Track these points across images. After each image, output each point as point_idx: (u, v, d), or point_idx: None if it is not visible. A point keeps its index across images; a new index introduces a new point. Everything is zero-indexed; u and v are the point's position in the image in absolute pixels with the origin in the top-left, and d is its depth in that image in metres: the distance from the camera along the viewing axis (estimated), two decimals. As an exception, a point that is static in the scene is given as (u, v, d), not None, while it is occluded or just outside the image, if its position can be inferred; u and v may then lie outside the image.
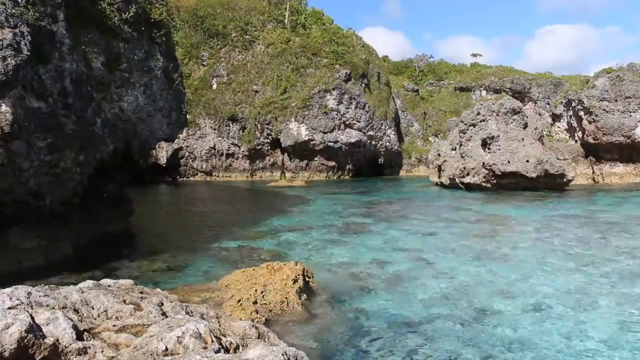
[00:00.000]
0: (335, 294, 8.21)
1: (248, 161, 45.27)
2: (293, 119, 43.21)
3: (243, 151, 44.88)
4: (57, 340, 2.68)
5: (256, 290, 7.49)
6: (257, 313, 6.74)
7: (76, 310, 3.27)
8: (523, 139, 29.80)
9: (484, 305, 7.80)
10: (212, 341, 2.91)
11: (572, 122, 41.63)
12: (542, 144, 31.53)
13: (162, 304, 3.75)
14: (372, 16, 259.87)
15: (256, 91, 44.91)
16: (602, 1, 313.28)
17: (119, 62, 11.97)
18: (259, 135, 44.46)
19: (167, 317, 3.51)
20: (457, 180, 31.09)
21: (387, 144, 48.64)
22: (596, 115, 37.65)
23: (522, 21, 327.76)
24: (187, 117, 21.35)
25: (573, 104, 40.55)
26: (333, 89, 43.93)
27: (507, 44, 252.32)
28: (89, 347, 2.76)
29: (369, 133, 45.90)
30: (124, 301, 3.58)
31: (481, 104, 33.03)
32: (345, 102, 44.34)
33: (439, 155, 34.83)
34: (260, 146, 44.74)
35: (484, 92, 58.53)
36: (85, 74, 9.91)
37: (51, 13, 8.78)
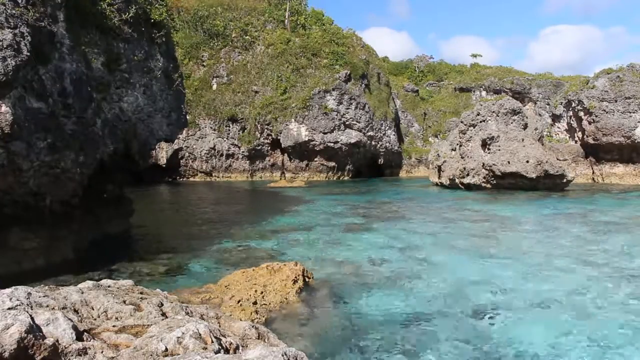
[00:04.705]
0: (335, 294, 8.21)
1: (248, 161, 45.28)
2: (293, 120, 43.22)
3: (243, 151, 44.88)
4: (57, 340, 2.68)
5: (256, 291, 7.49)
6: (257, 313, 6.75)
7: (76, 311, 3.27)
8: (523, 140, 29.81)
9: (484, 304, 7.80)
10: (212, 342, 2.91)
11: (572, 122, 41.65)
12: (542, 145, 31.55)
13: (162, 305, 3.75)
14: (380, 16, 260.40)
15: (256, 91, 44.92)
16: (608, 1, 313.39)
17: (119, 63, 11.97)
18: (258, 135, 44.46)
19: (167, 317, 3.51)
20: (457, 180, 31.09)
21: (387, 144, 48.65)
22: (596, 116, 37.66)
23: (526, 22, 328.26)
24: (187, 117, 21.37)
25: (573, 105, 40.56)
26: (333, 89, 43.95)
27: (512, 45, 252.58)
28: (89, 348, 2.77)
29: (369, 133, 45.91)
30: (124, 302, 3.58)
31: (481, 105, 33.04)
32: (345, 103, 44.35)
33: (438, 155, 34.84)
34: (260, 146, 44.74)
35: (483, 93, 58.55)
36: (85, 75, 9.91)
37: (51, 13, 8.78)
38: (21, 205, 8.82)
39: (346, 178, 45.76)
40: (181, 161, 44.78)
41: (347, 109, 44.43)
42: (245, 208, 23.20)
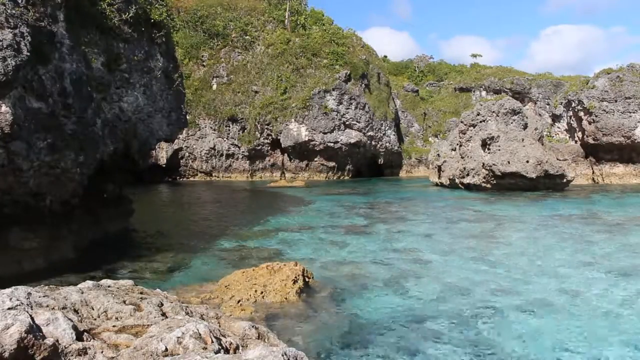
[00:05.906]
0: (335, 294, 8.21)
1: (248, 161, 45.27)
2: (293, 120, 43.21)
3: (243, 151, 44.88)
4: (57, 340, 2.68)
5: (256, 291, 7.50)
6: (257, 313, 6.75)
7: (76, 311, 3.27)
8: (523, 140, 29.81)
9: (484, 304, 7.80)
10: (212, 341, 2.91)
11: (572, 122, 41.64)
12: (542, 145, 31.54)
13: (162, 305, 3.75)
14: (381, 16, 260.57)
15: (256, 91, 44.91)
16: (608, 1, 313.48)
17: (119, 63, 11.96)
18: (258, 135, 44.46)
19: (167, 317, 3.51)
20: (457, 180, 31.09)
21: (387, 144, 48.64)
22: (596, 116, 37.65)
23: (527, 21, 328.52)
24: (187, 117, 21.37)
25: (573, 105, 40.55)
26: (333, 89, 43.94)
27: (512, 45, 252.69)
28: (89, 348, 2.77)
29: (369, 133, 45.90)
30: (124, 302, 3.58)
31: (481, 105, 33.04)
32: (345, 103, 44.34)
33: (438, 155, 34.85)
34: (260, 146, 44.74)
35: (483, 93, 58.57)
36: (85, 75, 9.91)
37: (51, 13, 8.78)
38: (21, 205, 8.82)
39: (346, 178, 45.76)
40: (181, 161, 44.78)
41: (347, 109, 44.42)
42: (245, 208, 23.20)
